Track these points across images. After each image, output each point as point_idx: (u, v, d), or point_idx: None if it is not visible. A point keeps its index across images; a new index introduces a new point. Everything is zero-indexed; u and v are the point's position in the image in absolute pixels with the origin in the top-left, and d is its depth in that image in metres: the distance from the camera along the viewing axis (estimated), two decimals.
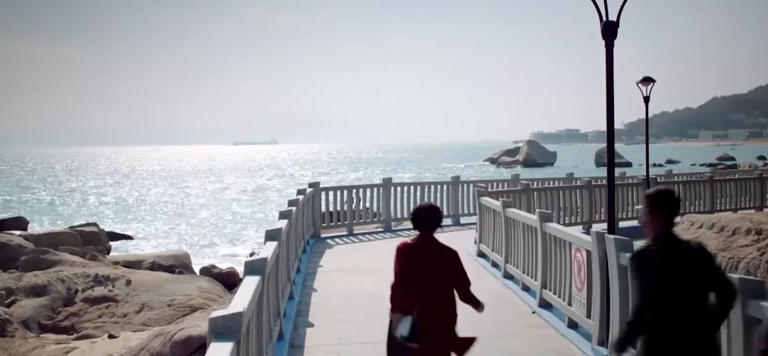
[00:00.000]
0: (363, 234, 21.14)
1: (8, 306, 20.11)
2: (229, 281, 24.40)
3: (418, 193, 24.30)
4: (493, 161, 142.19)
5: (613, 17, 10.39)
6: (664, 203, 5.32)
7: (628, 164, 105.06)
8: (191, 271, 26.67)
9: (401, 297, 6.97)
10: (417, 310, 6.85)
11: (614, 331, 8.77)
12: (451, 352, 7.17)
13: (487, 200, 16.92)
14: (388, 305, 6.96)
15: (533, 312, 11.70)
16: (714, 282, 5.19)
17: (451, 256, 7.32)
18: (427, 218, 7.48)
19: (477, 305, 7.36)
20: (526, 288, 13.02)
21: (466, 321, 11.18)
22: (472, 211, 23.38)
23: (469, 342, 7.28)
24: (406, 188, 24.30)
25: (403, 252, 7.25)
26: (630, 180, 26.06)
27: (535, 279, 12.30)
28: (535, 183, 24.51)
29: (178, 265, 26.24)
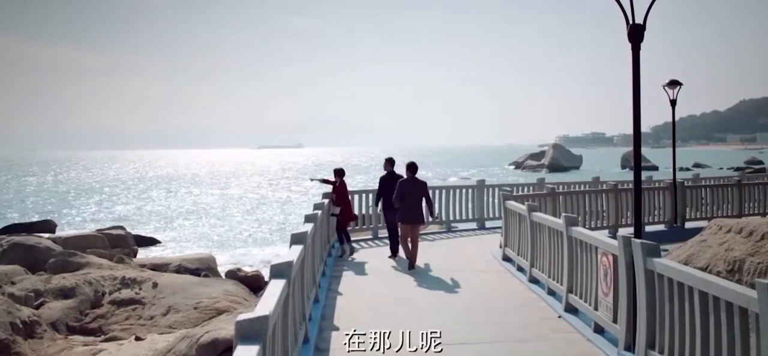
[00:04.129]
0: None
1: (37, 307, 20.31)
2: (254, 284, 24.49)
3: (443, 197, 24.27)
4: (518, 165, 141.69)
5: (639, 20, 10.31)
6: None
7: (655, 168, 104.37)
8: (217, 274, 26.80)
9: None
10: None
11: (641, 336, 8.71)
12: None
13: (512, 204, 16.86)
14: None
15: (559, 317, 11.64)
16: None
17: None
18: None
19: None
20: (551, 293, 12.95)
21: (492, 323, 11.20)
22: (497, 215, 23.32)
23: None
24: (430, 192, 24.28)
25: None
26: (657, 184, 25.87)
27: (561, 284, 12.24)
28: (560, 187, 24.39)
29: (204, 268, 26.38)
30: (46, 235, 34.76)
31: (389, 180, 18.35)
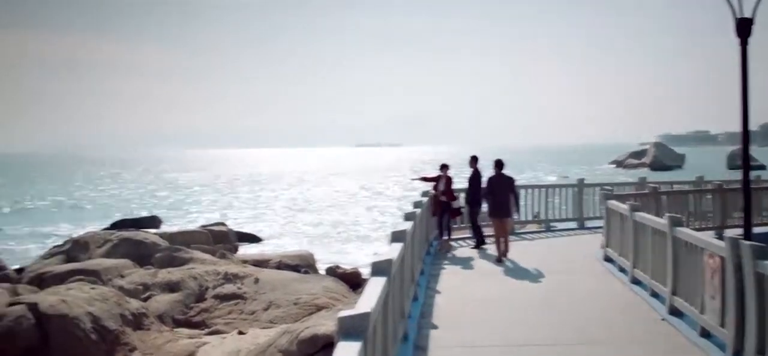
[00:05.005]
0: (488, 236, 21.09)
1: (145, 300, 21.01)
2: (353, 281, 24.73)
3: (542, 196, 24.00)
4: (618, 164, 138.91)
5: (748, 13, 9.98)
6: None
7: (763, 167, 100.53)
8: (316, 271, 27.17)
9: None
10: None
11: (749, 342, 8.44)
12: None
13: (613, 203, 16.57)
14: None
15: (662, 320, 11.36)
16: None
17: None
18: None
19: None
20: (654, 295, 12.66)
21: (593, 325, 11.03)
22: (597, 215, 22.93)
23: None
24: (529, 191, 24.08)
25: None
26: (766, 184, 24.99)
27: (665, 286, 11.94)
28: (663, 187, 23.81)
29: (304, 265, 26.78)
30: (153, 231, 35.87)
31: (475, 178, 19.16)
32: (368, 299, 6.19)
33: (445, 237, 19.46)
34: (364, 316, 5.26)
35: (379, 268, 7.48)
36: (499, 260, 17.16)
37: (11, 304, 18.54)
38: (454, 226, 20.25)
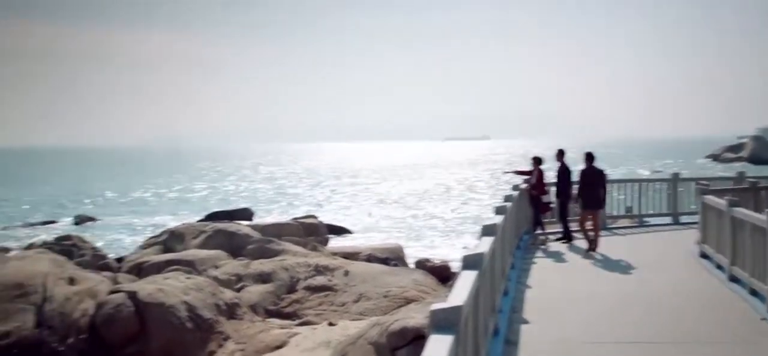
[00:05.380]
0: (575, 231, 20.82)
1: (238, 290, 21.47)
2: (442, 274, 24.73)
3: (635, 190, 23.53)
4: (714, 158, 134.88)
5: None
6: None
7: None
8: (405, 264, 27.26)
9: None
10: None
11: None
12: None
13: (710, 198, 16.13)
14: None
15: (763, 319, 11.02)
16: None
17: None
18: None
19: None
20: (754, 293, 12.27)
21: (688, 323, 10.78)
22: (692, 210, 22.35)
23: None
24: (622, 185, 23.65)
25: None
26: None
27: (765, 284, 11.57)
28: (762, 181, 23.04)
29: (393, 258, 26.91)
30: (245, 223, 36.56)
31: (563, 171, 19.17)
32: (460, 292, 6.20)
33: (537, 232, 19.33)
34: (456, 310, 5.27)
35: (470, 262, 7.47)
36: (588, 252, 17.10)
37: (112, 292, 19.23)
38: (545, 221, 20.07)
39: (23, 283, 19.50)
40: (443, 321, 5.17)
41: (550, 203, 19.90)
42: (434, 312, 5.25)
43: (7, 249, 28.04)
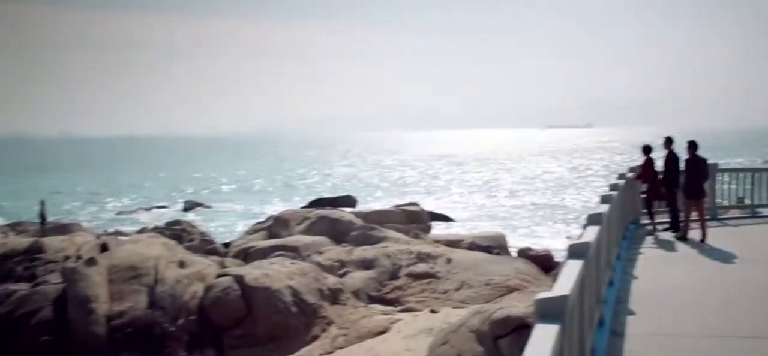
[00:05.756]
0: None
1: (341, 276, 21.75)
2: (545, 264, 24.46)
3: (746, 180, 22.68)
4: None
5: None
6: None
7: None
8: (508, 252, 27.08)
9: None
10: None
11: None
12: None
13: None
14: None
15: None
16: None
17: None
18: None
19: None
20: None
21: None
22: None
23: None
24: (731, 174, 22.85)
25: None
26: None
27: None
28: None
29: (496, 246, 26.76)
30: (348, 210, 36.96)
31: (670, 160, 18.75)
32: (565, 282, 6.12)
33: (644, 221, 18.94)
34: (562, 299, 5.21)
35: (575, 251, 7.36)
36: (696, 243, 16.66)
37: (219, 276, 19.79)
38: (653, 210, 19.59)
39: (136, 266, 20.28)
40: (549, 311, 5.12)
41: (657, 192, 19.41)
42: (540, 302, 5.20)
43: (121, 233, 29.14)
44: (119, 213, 52.88)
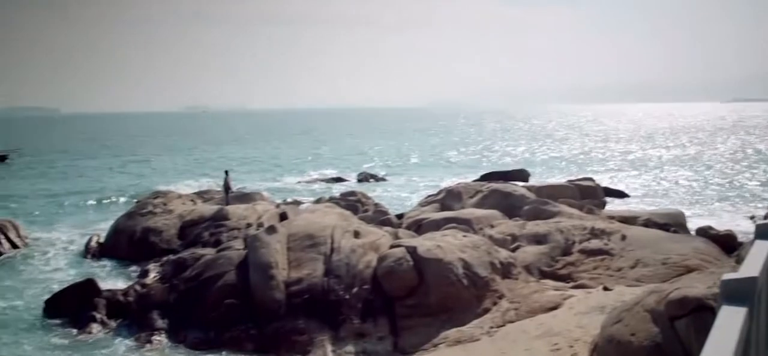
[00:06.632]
0: None
1: (513, 250, 21.71)
2: (726, 244, 23.47)
3: None
4: None
5: None
6: None
7: None
8: (686, 231, 26.14)
9: None
10: None
11: None
12: None
13: None
14: None
15: None
16: None
17: None
18: None
19: None
20: None
21: None
22: None
23: None
24: None
25: None
26: None
27: None
28: None
29: (673, 224, 25.90)
30: (521, 184, 36.73)
31: None
32: (753, 262, 5.89)
33: None
34: (751, 281, 5.01)
35: (764, 232, 7.06)
36: None
37: (393, 246, 20.22)
38: None
39: (314, 235, 21.05)
40: (736, 292, 4.95)
41: None
42: (726, 282, 5.03)
43: (299, 203, 30.26)
44: (297, 182, 54.87)
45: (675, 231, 24.52)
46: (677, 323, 12.45)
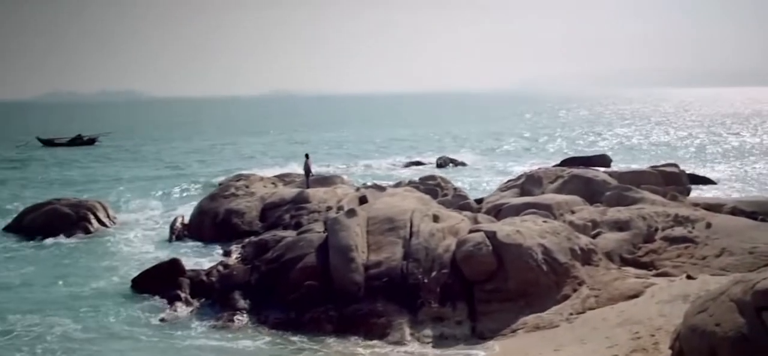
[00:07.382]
0: None
1: (594, 237, 21.48)
2: None
3: None
4: None
5: None
6: None
7: None
8: None
9: None
10: None
11: None
12: None
13: None
14: None
15: None
16: None
17: None
18: None
19: None
20: None
21: None
22: None
23: None
24: None
25: None
26: None
27: None
28: None
29: (761, 212, 25.21)
30: (602, 169, 36.22)
31: None
32: None
33: None
34: None
35: None
36: None
37: (472, 231, 20.22)
38: None
39: (393, 218, 21.21)
40: None
41: None
42: None
43: (380, 187, 30.46)
44: (379, 167, 55.21)
45: (763, 220, 23.85)
46: (765, 314, 12.16)
